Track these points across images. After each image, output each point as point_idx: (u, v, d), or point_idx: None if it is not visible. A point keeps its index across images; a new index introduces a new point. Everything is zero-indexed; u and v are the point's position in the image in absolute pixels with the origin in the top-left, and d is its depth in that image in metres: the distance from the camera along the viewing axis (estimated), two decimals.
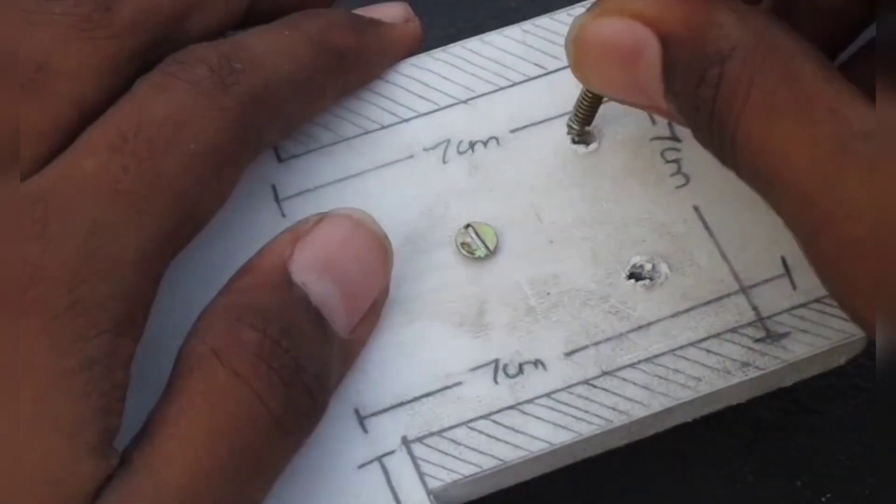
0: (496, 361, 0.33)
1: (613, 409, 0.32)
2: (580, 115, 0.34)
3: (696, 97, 0.29)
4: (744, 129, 0.28)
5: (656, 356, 0.33)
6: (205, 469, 0.28)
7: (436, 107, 0.36)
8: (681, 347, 0.33)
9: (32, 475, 0.26)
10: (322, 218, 0.31)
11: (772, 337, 0.33)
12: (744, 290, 0.34)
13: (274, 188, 0.34)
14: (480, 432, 0.32)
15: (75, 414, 0.27)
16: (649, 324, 0.33)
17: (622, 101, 0.32)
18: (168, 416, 0.28)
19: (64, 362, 0.27)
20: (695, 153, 0.35)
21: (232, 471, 0.28)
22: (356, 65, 0.35)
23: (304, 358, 0.30)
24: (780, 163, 0.28)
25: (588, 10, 0.30)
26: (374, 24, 0.35)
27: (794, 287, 0.34)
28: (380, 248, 0.32)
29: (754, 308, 0.33)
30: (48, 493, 0.26)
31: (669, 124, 0.35)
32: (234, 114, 0.30)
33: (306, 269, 0.30)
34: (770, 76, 0.28)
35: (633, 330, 0.33)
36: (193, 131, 0.29)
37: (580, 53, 0.31)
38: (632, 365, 0.33)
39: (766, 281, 0.34)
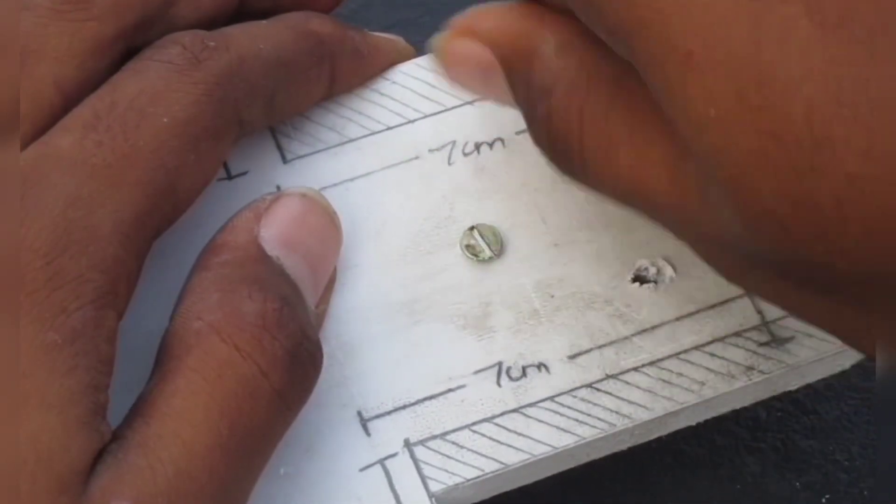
0: (499, 364, 0.33)
1: (617, 412, 0.32)
2: None
3: (535, 124, 0.30)
4: (589, 157, 0.28)
5: (660, 360, 0.33)
6: (203, 448, 0.27)
7: (441, 108, 0.36)
8: (685, 351, 0.33)
9: (23, 453, 0.26)
10: (277, 196, 0.32)
11: (776, 341, 0.33)
12: (749, 293, 0.34)
13: (279, 189, 0.34)
14: (483, 435, 0.32)
15: (63, 389, 0.27)
16: (654, 327, 0.33)
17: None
18: (163, 394, 0.28)
19: (47, 336, 0.27)
20: None
21: (232, 448, 0.28)
22: (341, 51, 0.34)
23: (306, 325, 0.30)
24: (635, 186, 0.28)
25: (446, 28, 0.31)
26: (360, 28, 0.36)
27: None
28: (332, 223, 0.33)
29: (759, 312, 0.33)
30: (40, 471, 0.26)
31: None
32: (206, 87, 0.30)
33: (275, 244, 0.31)
34: (598, 104, 0.28)
35: (637, 333, 0.33)
36: (165, 105, 0.30)
37: (444, 66, 0.32)
38: (636, 368, 0.33)
39: None
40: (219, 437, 0.28)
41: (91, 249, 0.28)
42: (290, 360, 0.29)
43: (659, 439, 0.33)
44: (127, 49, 0.31)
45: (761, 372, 0.33)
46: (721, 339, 0.33)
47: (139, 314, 0.30)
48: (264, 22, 0.33)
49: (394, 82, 0.36)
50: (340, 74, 0.35)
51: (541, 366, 0.33)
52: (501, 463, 0.32)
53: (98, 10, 0.30)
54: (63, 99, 0.30)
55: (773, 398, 0.34)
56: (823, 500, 0.36)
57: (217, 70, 0.31)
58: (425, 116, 0.35)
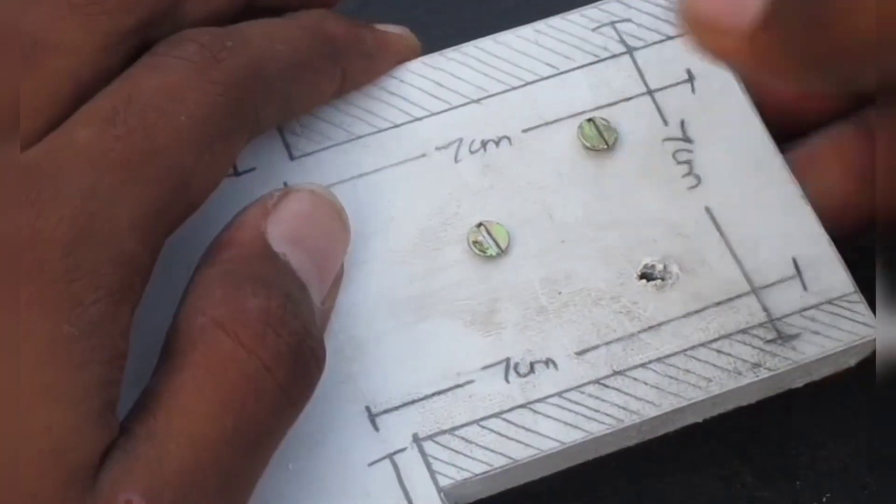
0: (507, 360, 0.33)
1: (624, 408, 0.32)
2: None
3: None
4: None
5: (667, 356, 0.33)
6: (209, 441, 0.28)
7: (448, 106, 0.36)
8: (692, 348, 0.33)
9: (34, 445, 0.26)
10: (285, 192, 0.32)
11: (783, 338, 0.33)
12: (755, 290, 0.34)
13: (286, 186, 0.34)
14: (492, 431, 0.32)
15: (76, 383, 0.27)
16: (660, 324, 0.33)
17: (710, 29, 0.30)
18: (169, 388, 0.28)
19: (63, 329, 0.27)
20: (707, 154, 0.35)
21: (237, 442, 0.28)
22: (353, 53, 0.35)
23: (309, 322, 0.30)
24: None
25: None
26: (370, 25, 0.36)
27: (806, 288, 0.34)
28: (340, 220, 0.33)
29: (765, 309, 0.33)
30: (50, 464, 0.26)
31: (682, 125, 0.35)
32: (224, 87, 0.30)
33: (282, 241, 0.31)
34: None
35: (644, 330, 0.33)
36: (184, 103, 0.30)
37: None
38: (643, 365, 0.33)
39: (778, 282, 0.34)
40: (223, 431, 0.28)
41: (109, 243, 0.28)
42: (292, 357, 0.29)
43: (658, 438, 0.33)
44: (139, 44, 0.31)
45: (768, 369, 0.33)
46: (728, 336, 0.33)
47: (145, 309, 0.30)
48: (280, 21, 0.33)
49: (401, 80, 0.36)
50: (351, 74, 0.35)
51: (548, 362, 0.33)
52: (510, 458, 0.32)
53: (112, 3, 0.30)
54: (77, 93, 0.30)
55: (775, 398, 0.34)
56: (824, 500, 0.36)
57: (235, 71, 0.31)
58: (432, 114, 0.36)
